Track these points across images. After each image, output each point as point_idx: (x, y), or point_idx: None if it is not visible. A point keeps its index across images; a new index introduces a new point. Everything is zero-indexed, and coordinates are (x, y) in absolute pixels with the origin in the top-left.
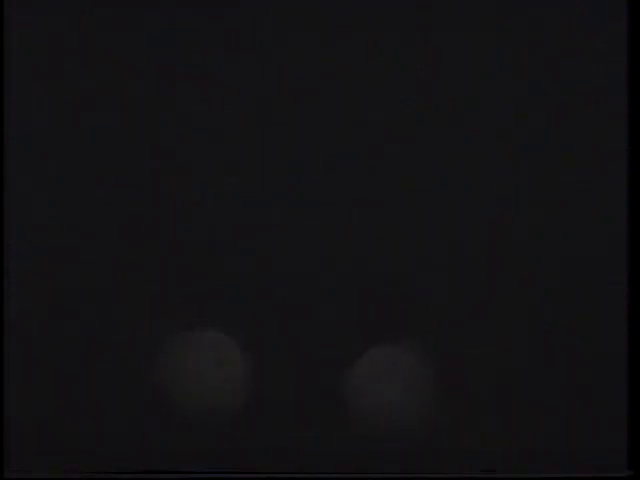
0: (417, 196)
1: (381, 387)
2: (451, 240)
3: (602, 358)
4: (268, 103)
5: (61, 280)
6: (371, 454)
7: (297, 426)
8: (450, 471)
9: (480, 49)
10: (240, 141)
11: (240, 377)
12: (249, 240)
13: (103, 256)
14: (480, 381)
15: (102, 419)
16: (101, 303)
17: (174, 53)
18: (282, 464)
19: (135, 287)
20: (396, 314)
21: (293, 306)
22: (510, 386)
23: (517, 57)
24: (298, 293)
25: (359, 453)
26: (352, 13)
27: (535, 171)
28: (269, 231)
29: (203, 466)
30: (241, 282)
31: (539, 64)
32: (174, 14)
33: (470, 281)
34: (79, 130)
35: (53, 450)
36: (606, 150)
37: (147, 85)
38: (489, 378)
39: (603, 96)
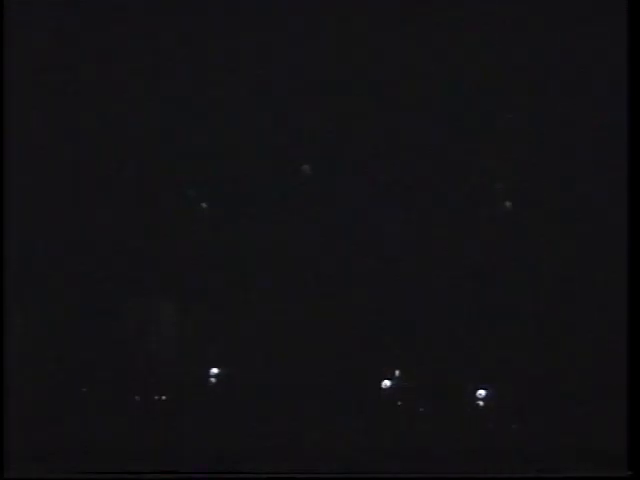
0: (417, 195)
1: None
2: (450, 241)
3: (602, 359)
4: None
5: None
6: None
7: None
8: (450, 471)
9: (480, 48)
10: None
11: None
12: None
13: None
14: (480, 381)
15: (101, 419)
16: (100, 303)
17: (175, 52)
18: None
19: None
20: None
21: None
22: (510, 387)
23: (517, 56)
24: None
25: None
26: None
27: (534, 171)
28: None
29: (203, 466)
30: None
31: (539, 64)
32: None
33: (470, 281)
34: (81, 130)
35: (53, 450)
36: (606, 150)
37: (147, 85)
38: (489, 378)
39: (603, 96)
